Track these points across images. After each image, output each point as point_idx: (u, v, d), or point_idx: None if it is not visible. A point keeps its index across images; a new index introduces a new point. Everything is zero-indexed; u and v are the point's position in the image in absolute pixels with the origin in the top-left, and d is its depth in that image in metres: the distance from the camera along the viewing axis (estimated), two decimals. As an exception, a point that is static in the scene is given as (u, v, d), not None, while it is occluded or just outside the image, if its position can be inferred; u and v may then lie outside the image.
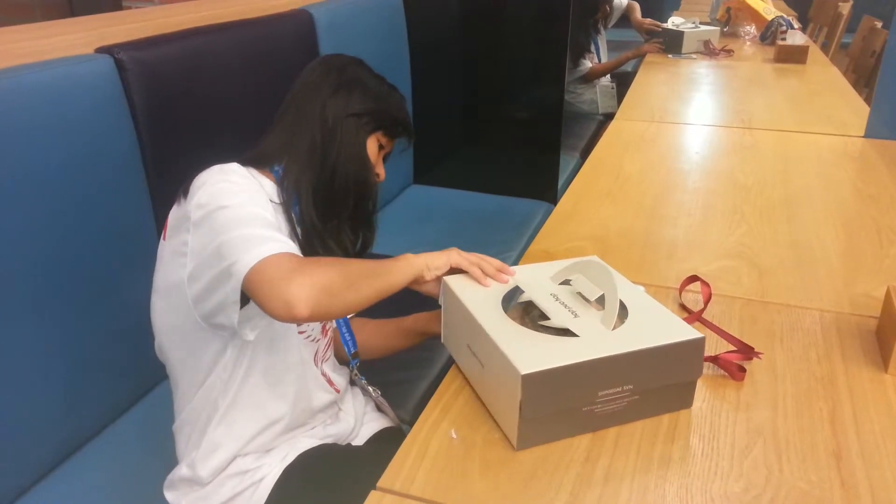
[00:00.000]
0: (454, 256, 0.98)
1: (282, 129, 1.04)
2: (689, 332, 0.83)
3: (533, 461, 0.78)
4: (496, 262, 0.99)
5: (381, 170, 1.08)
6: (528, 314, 0.90)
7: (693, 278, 1.13)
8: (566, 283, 0.95)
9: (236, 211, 0.87)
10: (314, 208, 1.00)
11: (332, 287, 0.84)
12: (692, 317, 1.05)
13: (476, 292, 0.93)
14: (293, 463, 1.04)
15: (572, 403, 0.79)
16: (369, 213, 1.09)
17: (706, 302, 1.07)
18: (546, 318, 0.87)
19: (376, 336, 1.20)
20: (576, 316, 0.86)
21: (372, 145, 1.05)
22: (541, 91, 2.50)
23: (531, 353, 0.78)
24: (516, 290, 0.94)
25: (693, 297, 1.13)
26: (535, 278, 0.97)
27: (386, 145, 1.08)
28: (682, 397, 0.87)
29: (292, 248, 0.86)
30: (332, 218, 1.03)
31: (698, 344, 0.83)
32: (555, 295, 0.91)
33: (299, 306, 0.79)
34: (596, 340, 0.81)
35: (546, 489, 0.75)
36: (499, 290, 0.94)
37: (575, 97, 3.49)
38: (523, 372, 0.74)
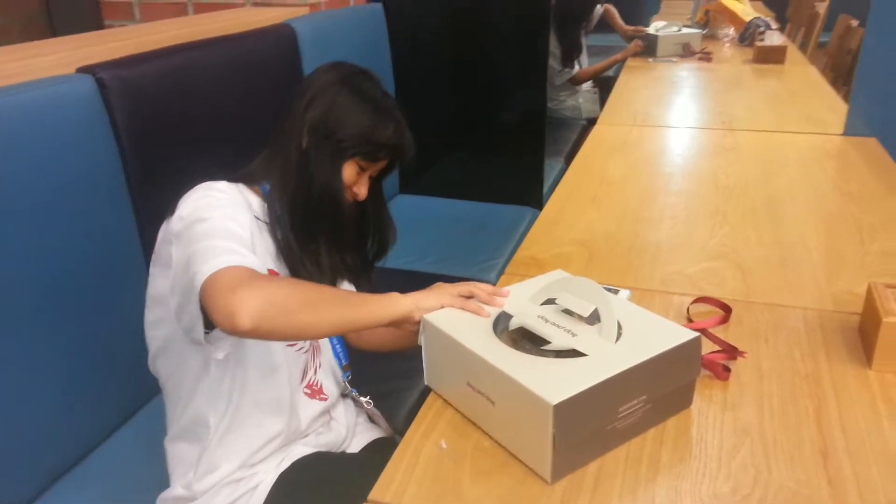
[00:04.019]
0: (445, 298, 0.93)
1: (269, 145, 1.04)
2: (685, 334, 0.84)
3: (523, 469, 0.79)
4: (487, 287, 0.96)
5: (361, 189, 1.05)
6: (521, 340, 0.86)
7: (708, 300, 1.12)
8: (547, 302, 0.93)
9: (210, 224, 0.87)
10: (291, 231, 1.00)
11: (282, 304, 0.81)
12: (693, 325, 1.04)
13: (463, 326, 0.89)
14: (287, 470, 1.04)
15: (599, 424, 0.78)
16: (348, 235, 1.07)
17: (721, 322, 1.07)
18: (542, 341, 0.84)
19: (384, 329, 1.18)
20: (574, 335, 0.84)
21: (350, 169, 1.02)
22: (524, 97, 2.51)
23: (552, 381, 0.75)
24: (501, 317, 0.91)
25: (682, 304, 1.14)
26: (516, 302, 0.94)
27: (367, 168, 1.04)
28: (684, 398, 0.88)
29: (252, 263, 0.84)
30: (310, 241, 1.02)
31: (696, 343, 0.84)
32: (542, 317, 0.89)
33: (241, 318, 0.77)
34: (606, 356, 0.80)
35: (538, 496, 0.75)
36: (483, 319, 0.91)
37: (557, 103, 3.50)
38: (554, 402, 0.72)
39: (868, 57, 2.09)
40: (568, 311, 0.90)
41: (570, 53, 3.34)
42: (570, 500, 0.74)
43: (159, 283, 0.96)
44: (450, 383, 0.91)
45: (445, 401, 0.91)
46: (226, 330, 0.79)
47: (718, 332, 1.03)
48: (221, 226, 0.88)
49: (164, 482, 1.05)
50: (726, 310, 1.09)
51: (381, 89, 1.06)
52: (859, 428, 0.84)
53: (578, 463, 0.79)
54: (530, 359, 0.81)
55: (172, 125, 1.39)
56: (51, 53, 1.34)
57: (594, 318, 0.87)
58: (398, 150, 1.05)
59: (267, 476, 1.03)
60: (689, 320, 1.08)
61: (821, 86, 2.71)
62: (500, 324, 0.90)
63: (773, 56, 3.05)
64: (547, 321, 0.88)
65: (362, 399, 1.18)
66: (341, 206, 1.02)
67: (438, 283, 0.97)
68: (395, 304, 0.91)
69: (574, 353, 0.81)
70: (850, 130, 2.02)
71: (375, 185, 1.10)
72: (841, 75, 3.40)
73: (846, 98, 2.42)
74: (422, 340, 0.93)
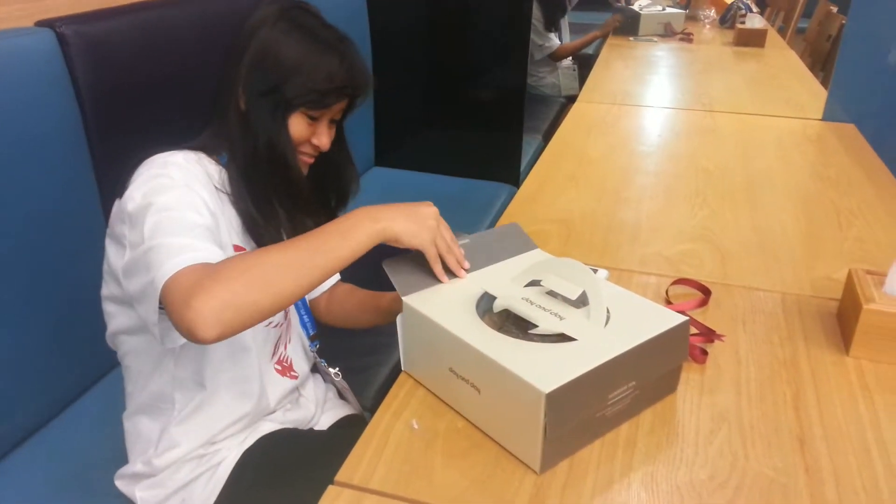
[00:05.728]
0: (426, 244, 0.85)
1: (214, 111, 0.97)
2: (673, 317, 0.82)
3: (497, 452, 0.76)
4: (459, 255, 0.91)
5: (321, 139, 0.95)
6: (506, 324, 0.82)
7: (687, 282, 1.10)
8: (531, 284, 0.89)
9: (167, 214, 0.80)
10: (252, 204, 0.93)
11: (236, 300, 0.72)
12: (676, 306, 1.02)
13: (445, 308, 0.84)
14: (252, 447, 1.00)
15: (589, 412, 0.75)
16: (307, 198, 0.98)
17: (700, 305, 1.05)
18: (528, 325, 0.81)
19: (351, 304, 1.13)
20: (561, 318, 0.81)
21: (298, 122, 0.92)
22: (503, 72, 2.47)
23: (543, 369, 0.72)
24: (483, 299, 0.86)
25: (660, 285, 1.12)
26: (499, 283, 0.89)
27: (319, 116, 0.94)
28: (670, 383, 0.86)
29: (210, 255, 0.77)
30: (268, 207, 0.94)
31: (685, 327, 0.82)
32: (527, 299, 0.85)
33: (203, 331, 0.70)
34: (596, 342, 0.77)
35: (510, 480, 0.73)
36: (465, 300, 0.86)
37: (537, 80, 3.46)
38: (547, 391, 0.68)
39: (849, 44, 2.08)
40: (552, 294, 0.86)
41: (554, 15, 3.28)
42: (544, 485, 0.72)
43: (114, 259, 0.90)
44: (430, 369, 0.86)
45: (420, 383, 0.88)
46: (193, 342, 0.73)
47: (696, 314, 1.02)
48: (177, 217, 0.81)
49: (121, 459, 1.01)
50: (706, 292, 1.07)
51: (321, 20, 0.94)
52: (836, 415, 0.83)
53: (566, 452, 0.76)
54: (517, 343, 0.77)
55: (138, 85, 1.33)
56: (8, 4, 1.27)
57: (580, 301, 0.84)
58: (351, 88, 0.93)
59: (230, 453, 0.99)
60: (669, 302, 1.06)
61: (800, 70, 2.71)
62: (483, 305, 0.85)
63: (753, 39, 3.04)
64: (532, 304, 0.84)
65: (331, 370, 1.15)
66: (291, 167, 0.94)
67: (431, 212, 0.87)
68: (369, 235, 0.81)
69: (561, 338, 0.78)
70: (828, 116, 2.01)
71: (335, 126, 1.00)
72: (819, 61, 3.40)
73: (824, 83, 2.42)
74: (399, 321, 0.89)
